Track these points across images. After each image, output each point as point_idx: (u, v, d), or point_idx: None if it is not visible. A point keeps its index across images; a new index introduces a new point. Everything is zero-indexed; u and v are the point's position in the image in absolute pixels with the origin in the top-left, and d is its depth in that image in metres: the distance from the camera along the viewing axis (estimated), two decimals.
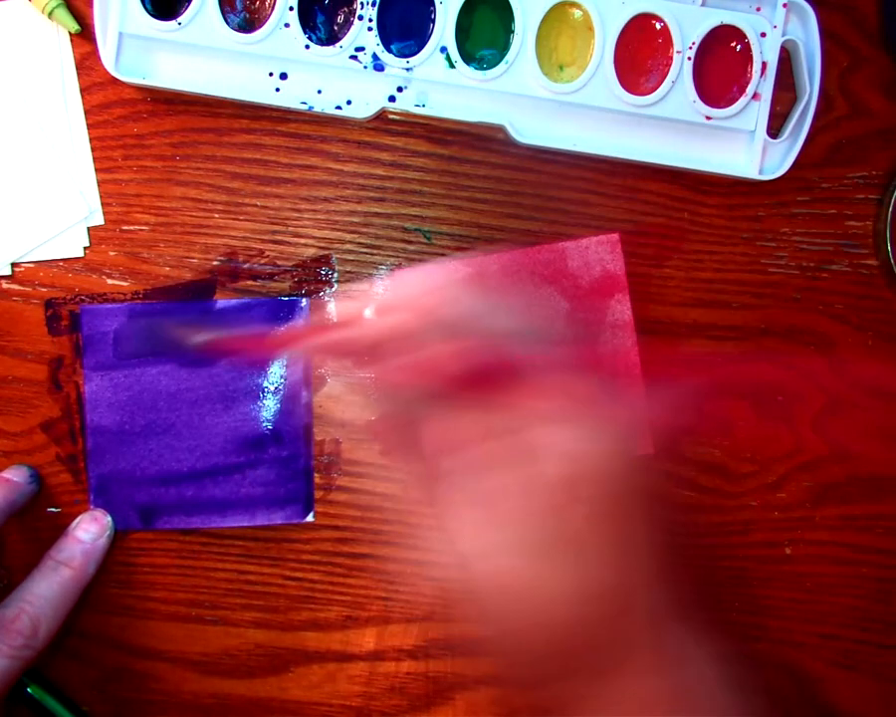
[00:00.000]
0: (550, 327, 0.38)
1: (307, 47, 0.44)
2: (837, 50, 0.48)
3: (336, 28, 0.45)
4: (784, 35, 0.45)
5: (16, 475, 0.45)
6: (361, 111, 0.45)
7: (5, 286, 0.46)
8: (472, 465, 0.32)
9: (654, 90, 0.45)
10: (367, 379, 0.47)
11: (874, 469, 0.49)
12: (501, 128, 0.46)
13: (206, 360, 0.46)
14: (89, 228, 0.46)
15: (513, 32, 0.45)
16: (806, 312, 0.49)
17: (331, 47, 0.44)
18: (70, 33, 0.45)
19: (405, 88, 0.45)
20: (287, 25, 0.44)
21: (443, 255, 0.47)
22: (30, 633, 0.40)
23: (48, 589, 0.41)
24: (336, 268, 0.47)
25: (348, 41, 0.44)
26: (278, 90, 0.45)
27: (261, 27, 0.44)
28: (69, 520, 0.45)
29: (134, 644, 0.47)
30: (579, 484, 0.31)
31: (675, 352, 0.46)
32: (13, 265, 0.46)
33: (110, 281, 0.46)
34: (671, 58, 0.45)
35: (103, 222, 0.46)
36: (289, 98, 0.45)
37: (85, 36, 0.45)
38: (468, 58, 0.45)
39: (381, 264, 0.47)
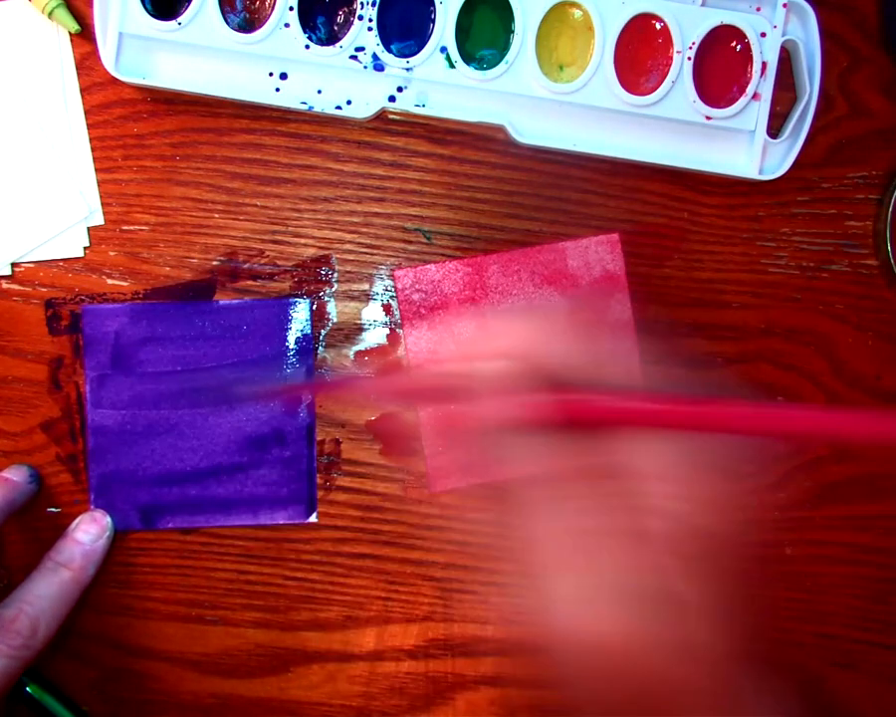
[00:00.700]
0: (660, 381, 0.36)
1: (307, 47, 0.44)
2: (837, 50, 0.48)
3: (336, 28, 0.45)
4: (784, 35, 0.46)
5: (16, 475, 0.45)
6: (361, 111, 0.45)
7: (5, 286, 0.46)
8: (569, 503, 0.31)
9: (654, 90, 0.45)
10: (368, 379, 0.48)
11: (874, 469, 0.49)
12: (501, 128, 0.46)
13: (207, 362, 0.46)
14: (89, 228, 0.46)
15: (513, 32, 0.45)
16: (806, 312, 0.49)
17: (331, 47, 0.44)
18: (70, 33, 0.45)
19: (405, 88, 0.45)
20: (287, 25, 0.44)
21: (443, 255, 0.47)
22: (29, 634, 0.40)
23: (47, 589, 0.42)
24: (336, 268, 0.47)
25: (348, 41, 0.44)
26: (278, 90, 0.45)
27: (261, 27, 0.44)
28: (69, 520, 0.45)
29: (134, 644, 0.47)
30: (683, 541, 0.30)
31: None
32: (13, 265, 0.46)
33: (110, 281, 0.46)
34: (671, 58, 0.45)
35: (103, 222, 0.46)
36: (289, 98, 0.45)
37: (85, 36, 0.45)
38: (468, 58, 0.45)
39: (381, 264, 0.47)
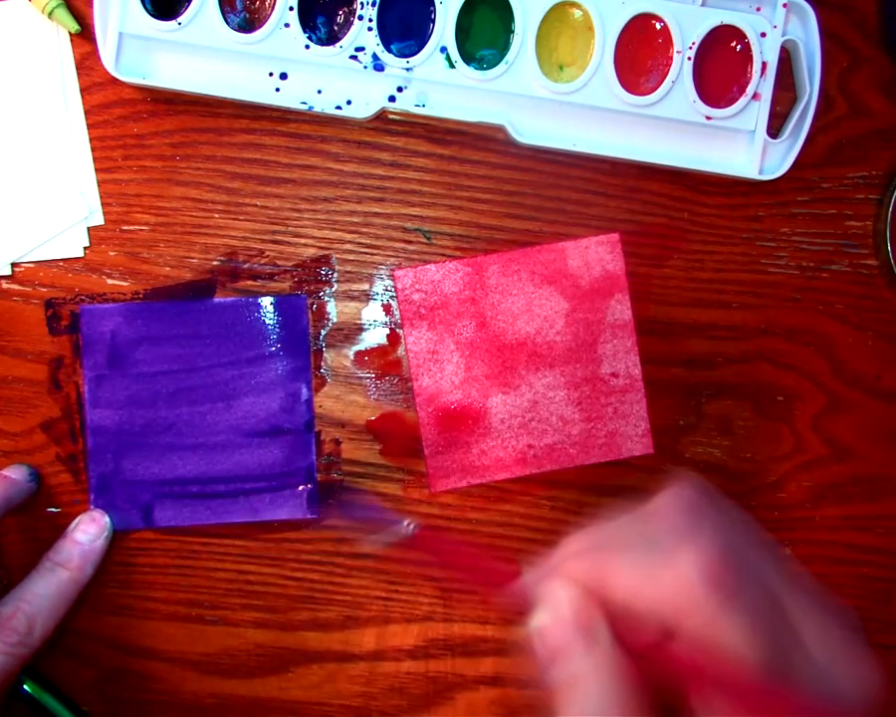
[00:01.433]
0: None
1: (307, 47, 0.44)
2: (837, 50, 0.48)
3: (336, 28, 0.45)
4: (784, 35, 0.46)
5: (15, 473, 0.45)
6: (361, 111, 0.45)
7: (5, 286, 0.46)
8: None
9: (654, 90, 0.45)
10: (367, 379, 0.48)
11: (874, 469, 0.49)
12: (501, 128, 0.46)
13: (204, 360, 0.46)
14: (89, 228, 0.46)
15: (513, 32, 0.45)
16: (806, 312, 0.49)
17: (331, 47, 0.44)
18: (70, 33, 0.45)
19: (405, 88, 0.45)
20: (287, 25, 0.44)
21: (443, 255, 0.47)
22: (25, 631, 0.40)
23: (45, 588, 0.42)
24: (336, 268, 0.47)
25: (348, 41, 0.44)
26: (278, 90, 0.45)
27: (261, 27, 0.44)
28: (68, 520, 0.45)
29: (134, 644, 0.47)
30: None
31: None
32: (13, 265, 0.46)
33: (110, 281, 0.46)
34: (671, 58, 0.45)
35: (103, 222, 0.46)
36: (289, 98, 0.45)
37: (85, 36, 0.45)
38: (468, 58, 0.45)
39: (381, 264, 0.47)
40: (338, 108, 0.45)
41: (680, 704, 0.27)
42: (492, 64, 0.45)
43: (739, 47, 0.46)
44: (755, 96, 0.46)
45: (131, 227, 0.47)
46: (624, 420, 0.47)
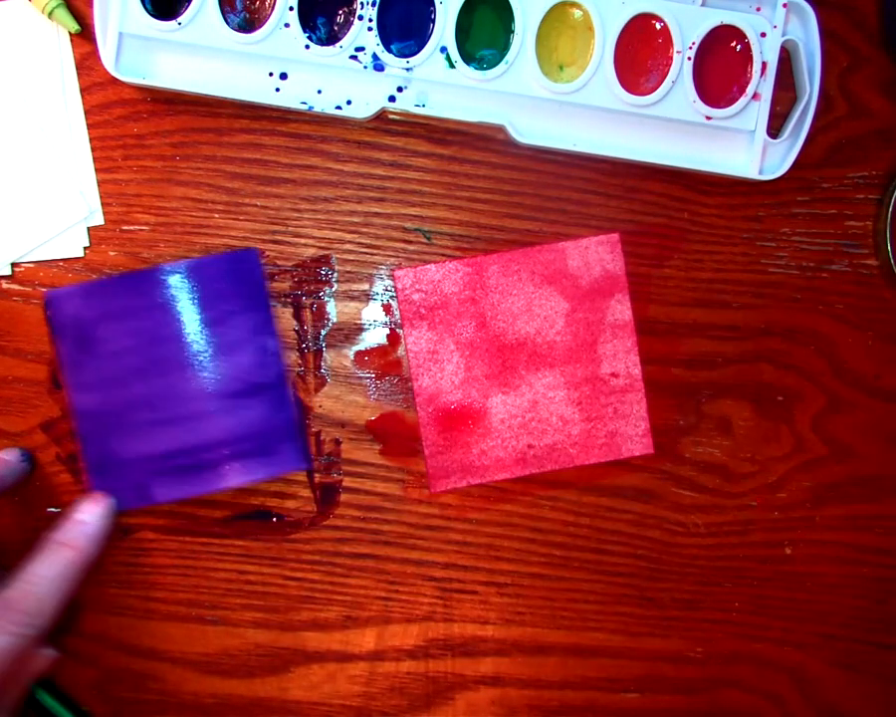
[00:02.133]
0: None
1: (307, 47, 0.44)
2: (837, 50, 0.48)
3: (336, 28, 0.45)
4: (784, 35, 0.46)
5: (6, 455, 0.45)
6: (361, 111, 0.45)
7: (5, 286, 0.46)
8: None
9: (654, 90, 0.45)
10: (367, 379, 0.48)
11: (874, 469, 0.49)
12: (501, 128, 0.46)
13: (166, 328, 0.45)
14: (89, 228, 0.46)
15: (513, 32, 0.45)
16: (806, 312, 0.49)
17: (331, 47, 0.44)
18: (70, 33, 0.45)
19: (405, 88, 0.45)
20: (287, 25, 0.44)
21: (443, 255, 0.47)
22: (34, 612, 0.40)
23: (49, 569, 0.41)
24: (336, 268, 0.47)
25: (348, 41, 0.44)
26: (278, 90, 0.45)
27: (261, 27, 0.44)
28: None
29: (134, 644, 0.47)
30: None
31: None
32: (13, 265, 0.46)
33: None
34: (671, 58, 0.45)
35: (103, 222, 0.46)
36: (289, 98, 0.45)
37: (85, 36, 0.45)
38: (468, 58, 0.45)
39: (381, 264, 0.47)
40: (338, 108, 0.45)
41: None
42: (492, 64, 0.45)
43: (739, 47, 0.46)
44: (755, 96, 0.46)
45: (131, 227, 0.47)
46: (624, 420, 0.47)
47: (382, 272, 0.47)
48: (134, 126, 0.46)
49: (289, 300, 0.47)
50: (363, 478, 0.48)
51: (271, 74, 0.45)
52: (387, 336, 0.48)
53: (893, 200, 0.47)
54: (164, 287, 0.45)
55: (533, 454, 0.47)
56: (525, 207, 0.48)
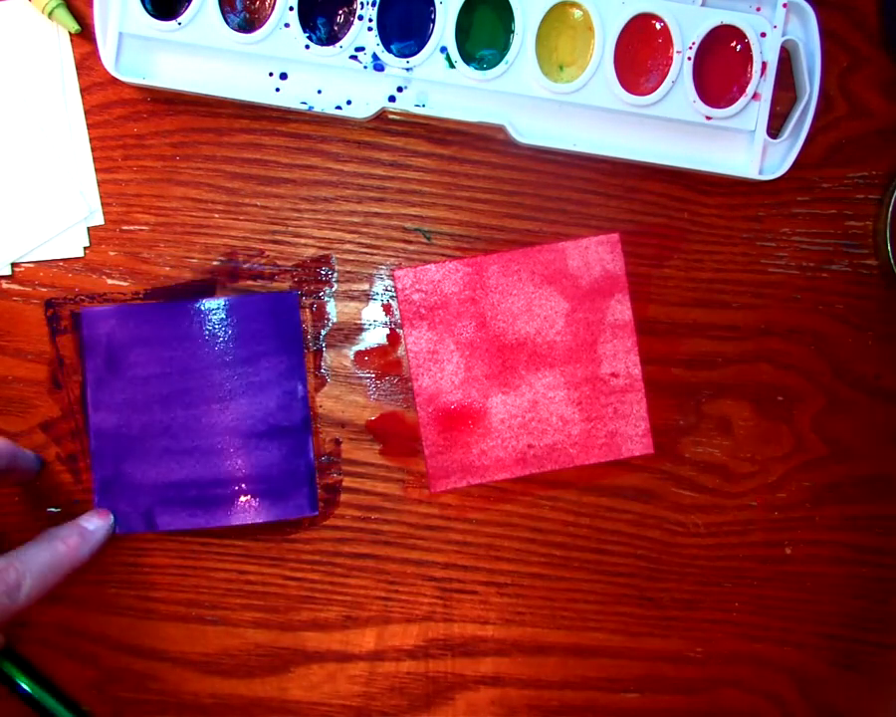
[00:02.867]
0: None
1: (307, 47, 0.44)
2: (837, 50, 0.48)
3: (336, 28, 0.45)
4: (784, 35, 0.46)
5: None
6: (361, 111, 0.45)
7: (5, 286, 0.46)
8: None
9: (654, 90, 0.45)
10: (367, 379, 0.48)
11: (874, 469, 0.49)
12: (501, 128, 0.46)
13: (197, 362, 0.46)
14: (89, 228, 0.46)
15: (513, 32, 0.45)
16: (806, 312, 0.49)
17: (331, 47, 0.44)
18: (70, 33, 0.45)
19: (405, 88, 0.45)
20: (287, 25, 0.44)
21: (443, 255, 0.47)
22: (13, 584, 0.40)
23: (38, 554, 0.42)
24: (336, 268, 0.47)
25: (348, 41, 0.44)
26: (278, 90, 0.45)
27: (261, 27, 0.44)
28: (69, 520, 0.45)
29: (134, 644, 0.47)
30: None
31: None
32: (13, 265, 0.46)
33: (109, 281, 0.47)
34: (671, 58, 0.45)
35: (103, 222, 0.46)
36: (289, 98, 0.45)
37: (85, 36, 0.45)
38: (468, 58, 0.45)
39: (381, 264, 0.47)
40: (338, 108, 0.45)
41: None
42: (492, 64, 0.45)
43: (739, 47, 0.46)
44: (755, 96, 0.46)
45: (131, 227, 0.47)
46: (624, 420, 0.47)
47: (382, 272, 0.47)
48: (134, 126, 0.46)
49: None
50: (363, 478, 0.48)
51: (271, 74, 0.45)
52: (387, 336, 0.48)
53: (893, 200, 0.47)
54: (201, 320, 0.46)
55: (533, 454, 0.47)
56: (525, 207, 0.48)
